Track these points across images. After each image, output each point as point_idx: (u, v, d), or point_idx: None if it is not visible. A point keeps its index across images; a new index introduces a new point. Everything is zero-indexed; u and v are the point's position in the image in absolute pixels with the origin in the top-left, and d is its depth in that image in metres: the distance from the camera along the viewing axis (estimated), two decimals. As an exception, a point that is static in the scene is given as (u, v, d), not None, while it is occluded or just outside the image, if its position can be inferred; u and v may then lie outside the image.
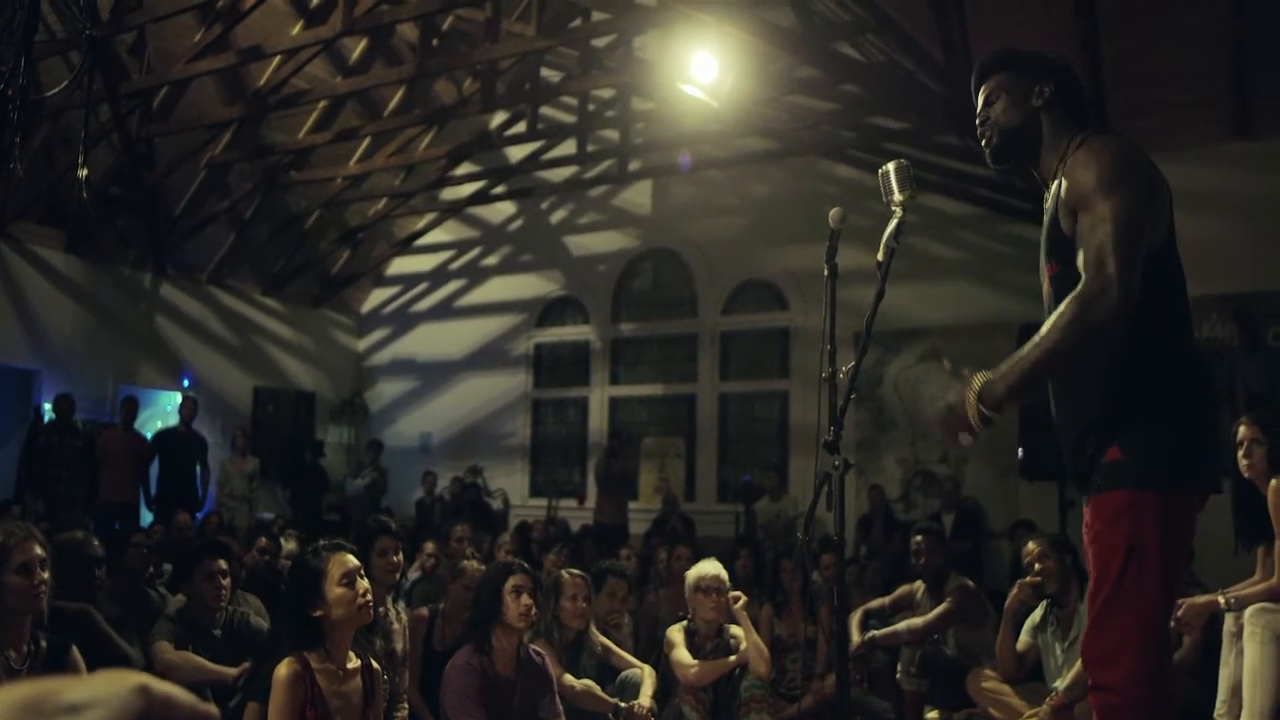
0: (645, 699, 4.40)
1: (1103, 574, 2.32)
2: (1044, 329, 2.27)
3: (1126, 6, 6.59)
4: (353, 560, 3.18)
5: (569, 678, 4.35)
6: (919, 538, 5.45)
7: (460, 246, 13.65)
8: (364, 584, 3.17)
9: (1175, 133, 7.35)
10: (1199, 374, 2.44)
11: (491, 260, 13.45)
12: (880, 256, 2.62)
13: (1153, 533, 2.27)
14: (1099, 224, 2.28)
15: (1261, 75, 6.86)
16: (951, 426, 2.34)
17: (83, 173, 5.28)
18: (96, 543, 4.32)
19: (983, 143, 2.63)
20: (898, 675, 5.49)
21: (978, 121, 2.64)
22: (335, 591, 3.09)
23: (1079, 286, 2.26)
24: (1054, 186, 2.47)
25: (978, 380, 2.31)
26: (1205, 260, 6.94)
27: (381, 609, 4.15)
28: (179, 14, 8.79)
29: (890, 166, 2.64)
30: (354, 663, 3.17)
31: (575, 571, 4.65)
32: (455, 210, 13.34)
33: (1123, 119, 7.22)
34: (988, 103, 2.62)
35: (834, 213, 2.86)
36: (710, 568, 4.80)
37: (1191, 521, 2.36)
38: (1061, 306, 2.27)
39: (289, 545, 6.98)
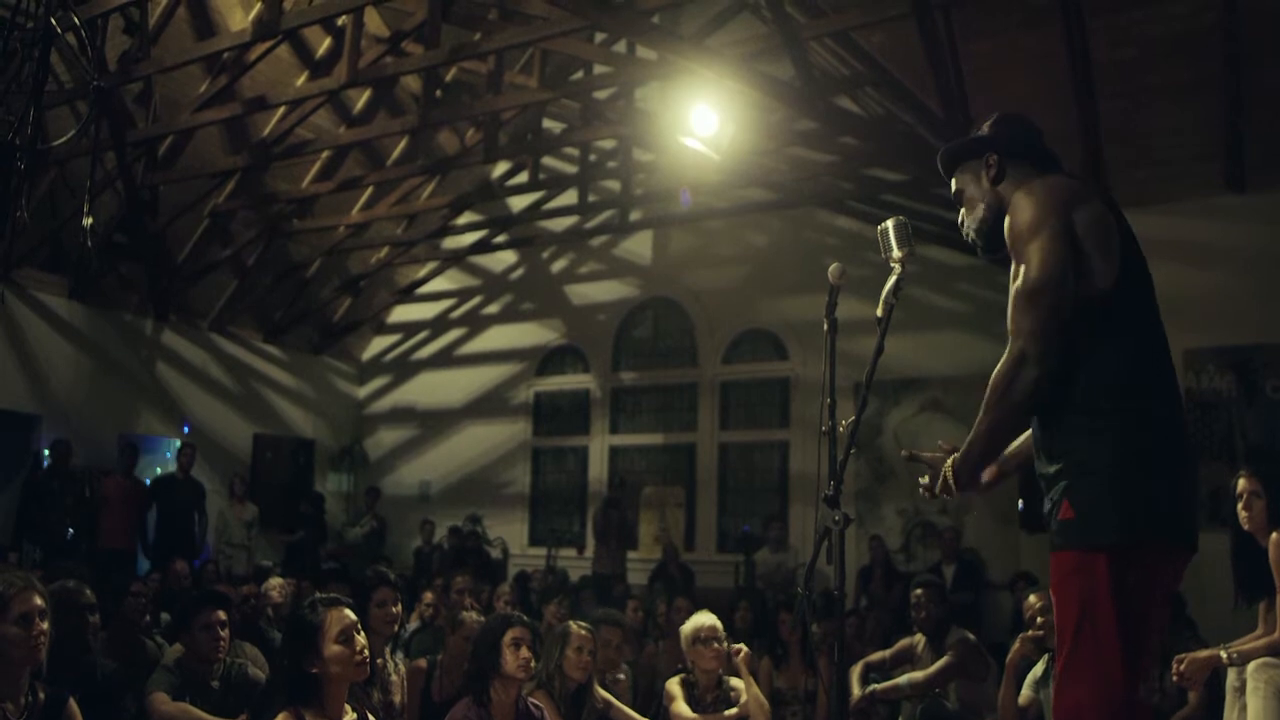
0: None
1: (1062, 633, 2.29)
2: (984, 405, 2.32)
3: (1122, 60, 6.68)
4: (351, 616, 3.14)
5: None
6: (919, 591, 5.41)
7: (461, 295, 13.71)
8: (361, 640, 3.13)
9: (1171, 185, 7.40)
10: (1158, 423, 2.31)
11: (492, 309, 13.49)
12: (880, 312, 2.62)
13: (1103, 593, 2.21)
14: (1016, 281, 2.30)
15: (1256, 128, 6.93)
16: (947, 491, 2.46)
17: (87, 220, 5.30)
18: (89, 591, 4.29)
19: (970, 242, 2.68)
20: (898, 729, 5.44)
21: (958, 221, 2.70)
22: (332, 649, 3.05)
23: (1002, 358, 2.29)
24: None
25: (948, 465, 2.41)
26: (1204, 312, 7.05)
27: (380, 660, 4.12)
28: (186, 65, 8.89)
29: (889, 223, 2.64)
30: (350, 716, 3.14)
31: (584, 625, 4.60)
32: (457, 259, 13.41)
33: (1119, 172, 7.28)
34: (957, 201, 2.68)
35: (833, 268, 2.85)
36: (705, 619, 4.78)
37: (1160, 577, 2.28)
38: (992, 378, 2.30)
39: (275, 583, 6.80)
